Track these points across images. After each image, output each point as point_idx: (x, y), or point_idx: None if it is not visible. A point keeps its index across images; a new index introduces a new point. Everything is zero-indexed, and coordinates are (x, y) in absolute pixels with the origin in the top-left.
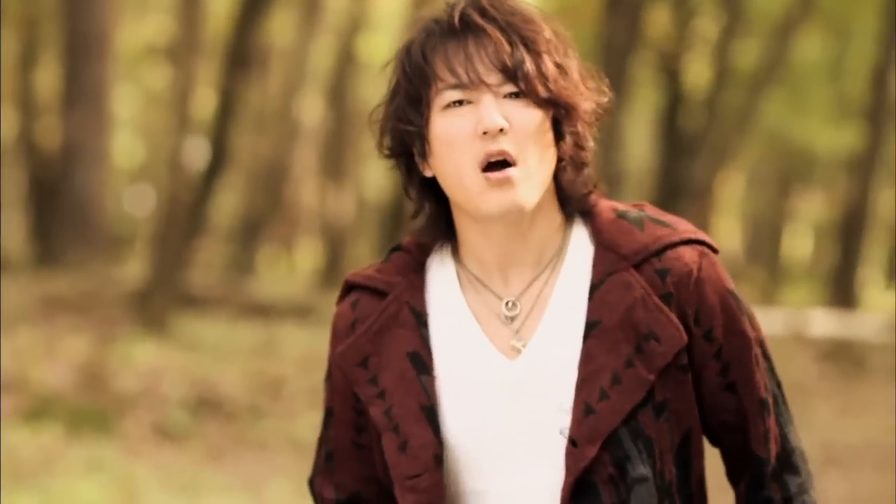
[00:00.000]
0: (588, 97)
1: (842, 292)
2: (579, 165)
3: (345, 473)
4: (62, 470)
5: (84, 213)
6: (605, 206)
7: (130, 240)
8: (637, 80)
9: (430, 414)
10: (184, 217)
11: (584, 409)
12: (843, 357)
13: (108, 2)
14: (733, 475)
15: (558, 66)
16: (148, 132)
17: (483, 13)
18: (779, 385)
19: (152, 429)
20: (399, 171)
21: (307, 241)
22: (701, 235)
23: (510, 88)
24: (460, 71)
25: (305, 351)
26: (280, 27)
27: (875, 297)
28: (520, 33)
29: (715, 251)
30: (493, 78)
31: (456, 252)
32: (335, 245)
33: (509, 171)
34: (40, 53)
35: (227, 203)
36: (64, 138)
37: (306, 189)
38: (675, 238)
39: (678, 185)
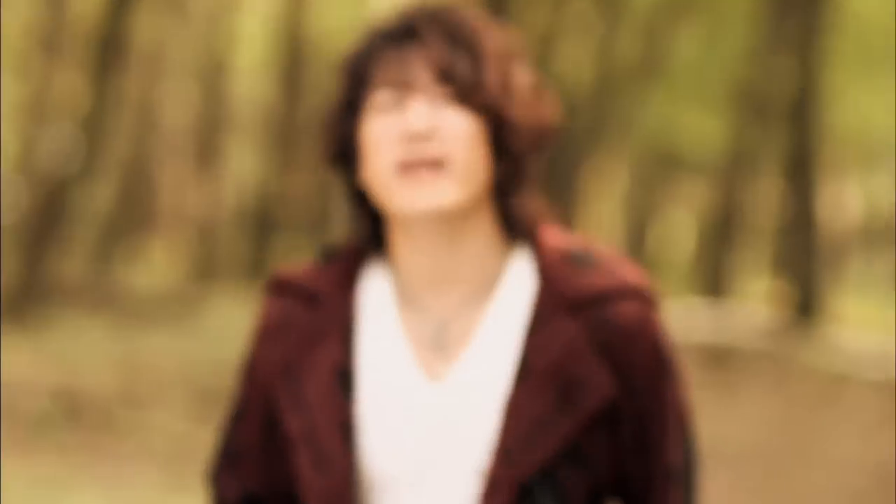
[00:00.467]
0: (530, 116)
1: (718, 284)
2: (519, 186)
3: (250, 473)
4: None
5: None
6: (554, 240)
7: None
8: None
9: (348, 432)
10: (50, 210)
11: (503, 454)
12: (720, 350)
13: None
14: None
15: (501, 77)
16: (17, 123)
17: (429, 21)
18: (693, 459)
19: (12, 425)
20: (340, 178)
21: (178, 235)
22: (647, 286)
23: (444, 95)
24: (393, 73)
25: (176, 346)
26: (150, 19)
27: (751, 288)
28: (464, 40)
29: (659, 302)
30: (426, 82)
31: (389, 264)
32: (206, 239)
33: (431, 173)
34: None
35: (97, 197)
36: None
37: (177, 183)
38: (619, 288)
39: (553, 180)
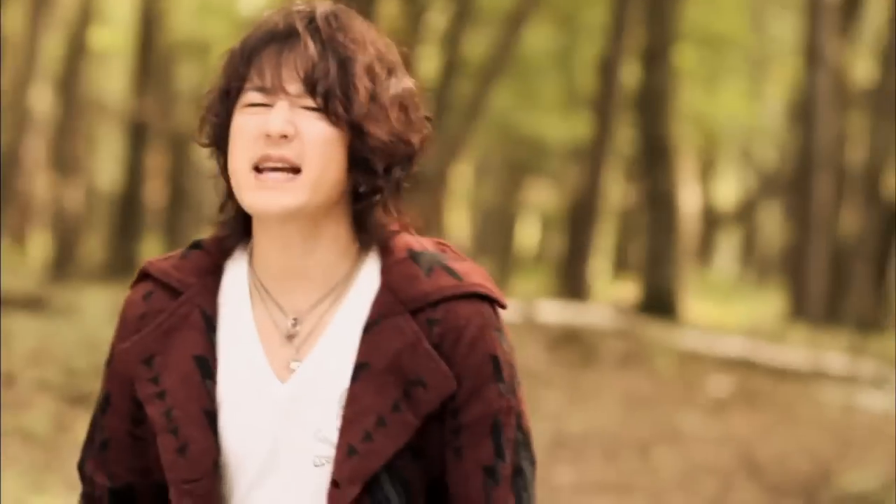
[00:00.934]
0: (394, 131)
1: (572, 282)
2: (374, 196)
3: (119, 463)
4: None
5: None
6: (403, 243)
7: None
8: None
9: (211, 419)
10: None
11: (347, 449)
12: (573, 346)
13: None
14: None
15: (370, 90)
16: None
17: (310, 23)
18: (532, 463)
19: None
20: (216, 162)
21: (38, 232)
22: (487, 290)
23: (308, 102)
24: (266, 74)
25: (37, 342)
26: (11, 17)
27: (603, 287)
28: (337, 51)
29: (502, 306)
30: (293, 87)
31: (251, 257)
32: (66, 236)
33: (284, 177)
34: None
35: None
36: None
37: (37, 180)
38: (458, 292)
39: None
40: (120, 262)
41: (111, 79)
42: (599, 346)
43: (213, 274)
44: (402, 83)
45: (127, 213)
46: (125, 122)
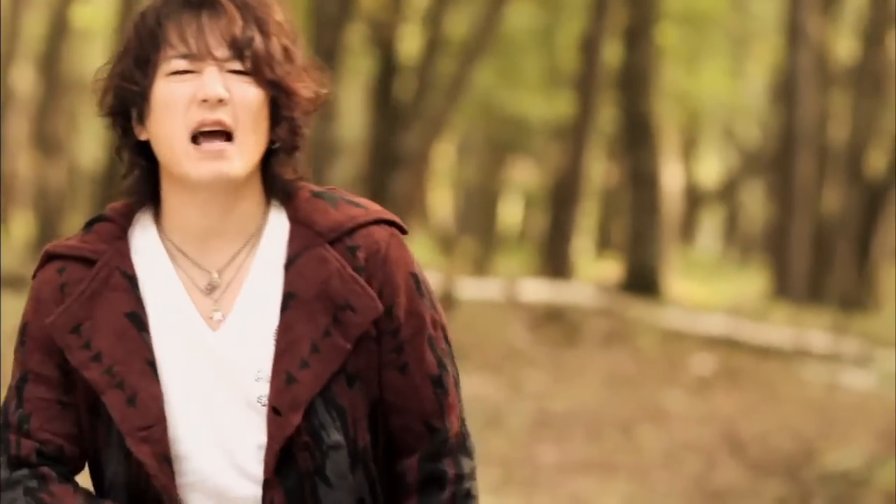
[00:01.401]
0: (309, 85)
1: (555, 261)
2: (291, 151)
3: (48, 431)
4: None
5: None
6: (304, 188)
7: None
8: (351, 51)
9: (153, 367)
10: None
11: (284, 378)
12: (556, 324)
13: None
14: (406, 452)
15: (286, 50)
16: None
17: None
18: (457, 375)
19: None
20: (114, 131)
21: (21, 210)
22: (390, 216)
23: (236, 66)
24: (191, 41)
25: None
26: None
27: (586, 265)
28: (254, 13)
29: (404, 232)
30: (221, 52)
31: (159, 220)
32: (49, 215)
33: (222, 145)
34: None
35: None
36: None
37: (20, 158)
38: (368, 217)
39: (393, 155)
40: None
41: (93, 57)
42: (582, 325)
43: (122, 239)
44: (301, 43)
45: (109, 191)
46: None
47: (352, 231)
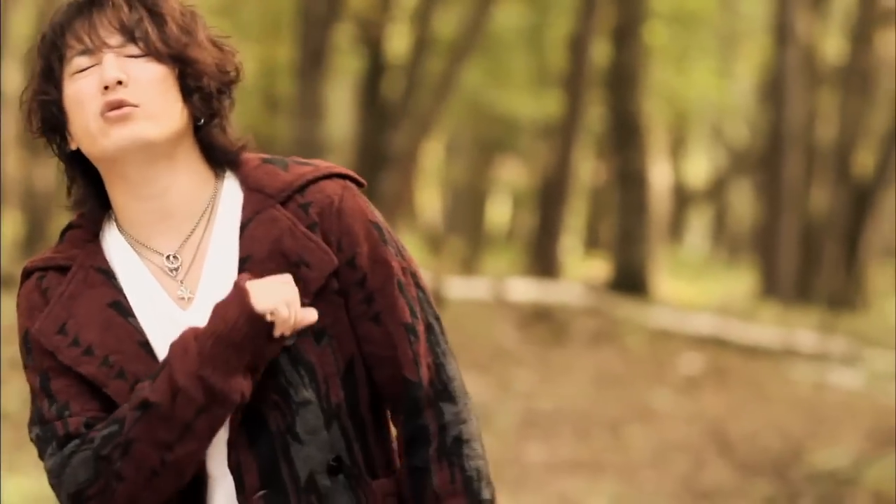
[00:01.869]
0: (213, 53)
1: (543, 260)
2: (215, 120)
3: (90, 409)
4: None
5: None
6: (253, 157)
7: None
8: (338, 50)
9: (148, 348)
10: None
11: None
12: (544, 324)
13: None
14: (394, 410)
15: (181, 27)
16: None
17: None
18: (437, 318)
19: None
20: (52, 149)
21: (9, 210)
22: (343, 170)
23: (132, 50)
24: (85, 38)
25: (8, 320)
26: None
27: (574, 264)
28: (143, 3)
29: (360, 185)
30: (114, 40)
31: (117, 217)
32: (37, 214)
33: (126, 109)
34: None
35: None
36: None
37: (7, 158)
38: (318, 174)
39: (381, 154)
40: None
41: None
42: (571, 324)
43: (93, 241)
44: (205, 23)
45: None
46: None
47: (302, 188)
